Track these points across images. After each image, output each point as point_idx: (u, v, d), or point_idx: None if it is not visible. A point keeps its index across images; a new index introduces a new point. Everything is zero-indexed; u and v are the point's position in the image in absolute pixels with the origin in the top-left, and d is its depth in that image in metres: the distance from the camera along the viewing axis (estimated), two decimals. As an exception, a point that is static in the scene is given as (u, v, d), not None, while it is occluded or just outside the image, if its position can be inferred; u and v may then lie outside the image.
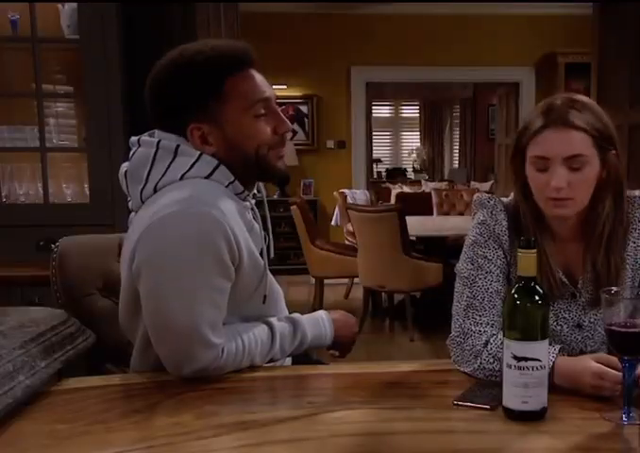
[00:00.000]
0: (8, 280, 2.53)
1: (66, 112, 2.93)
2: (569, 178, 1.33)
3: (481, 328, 1.38)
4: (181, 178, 1.38)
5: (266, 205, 1.55)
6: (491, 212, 1.45)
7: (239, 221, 1.38)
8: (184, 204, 1.31)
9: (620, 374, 1.17)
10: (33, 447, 1.08)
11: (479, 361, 1.35)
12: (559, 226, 1.43)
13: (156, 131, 1.45)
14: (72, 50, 2.77)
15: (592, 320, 1.44)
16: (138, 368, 1.47)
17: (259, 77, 1.44)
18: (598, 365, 1.22)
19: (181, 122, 1.41)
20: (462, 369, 1.39)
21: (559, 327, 1.44)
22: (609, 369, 1.20)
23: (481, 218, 1.46)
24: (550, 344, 1.25)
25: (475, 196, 1.52)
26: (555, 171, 1.33)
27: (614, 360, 1.20)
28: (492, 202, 1.47)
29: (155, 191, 1.39)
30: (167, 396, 1.27)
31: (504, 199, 1.49)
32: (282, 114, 1.46)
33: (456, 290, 1.45)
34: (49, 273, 1.65)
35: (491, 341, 1.35)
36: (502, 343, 1.27)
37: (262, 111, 1.42)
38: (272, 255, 1.52)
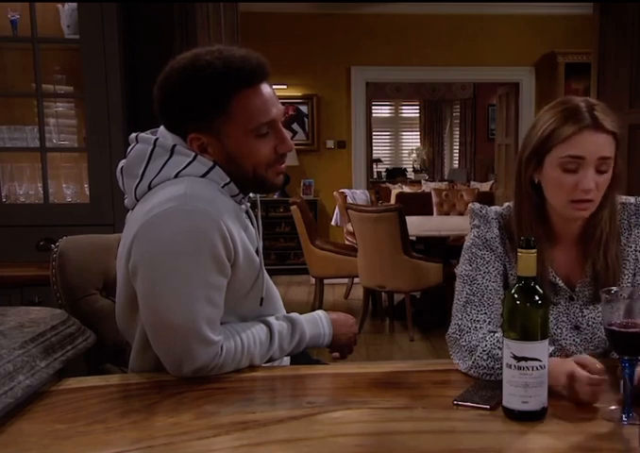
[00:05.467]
0: (8, 280, 2.53)
1: (66, 112, 2.93)
2: (596, 181, 1.36)
3: (478, 325, 1.40)
4: (176, 176, 1.37)
5: (259, 206, 1.54)
6: (484, 220, 1.50)
7: (234, 218, 1.37)
8: (179, 201, 1.31)
9: (591, 375, 1.16)
10: (33, 447, 1.07)
11: (473, 358, 1.35)
12: (564, 227, 1.45)
13: (159, 128, 1.46)
14: (72, 50, 2.77)
15: (590, 322, 1.46)
16: (137, 369, 1.46)
17: (267, 94, 1.40)
18: (573, 366, 1.20)
19: (183, 129, 1.41)
20: (458, 367, 1.40)
21: (558, 330, 1.46)
22: (580, 370, 1.18)
23: (476, 223, 1.51)
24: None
25: (469, 206, 1.56)
26: (586, 173, 1.35)
27: (592, 360, 1.20)
28: (483, 211, 1.51)
29: (149, 188, 1.39)
30: (166, 396, 1.27)
31: (496, 208, 1.52)
32: (285, 133, 1.44)
33: (456, 289, 1.48)
34: (49, 273, 1.65)
35: (487, 337, 1.36)
36: (498, 340, 1.28)
37: (265, 131, 1.40)
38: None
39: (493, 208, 1.52)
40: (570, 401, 1.19)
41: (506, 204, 1.53)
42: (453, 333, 1.42)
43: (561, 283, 1.45)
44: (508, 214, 1.49)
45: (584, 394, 1.17)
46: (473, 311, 1.41)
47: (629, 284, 1.45)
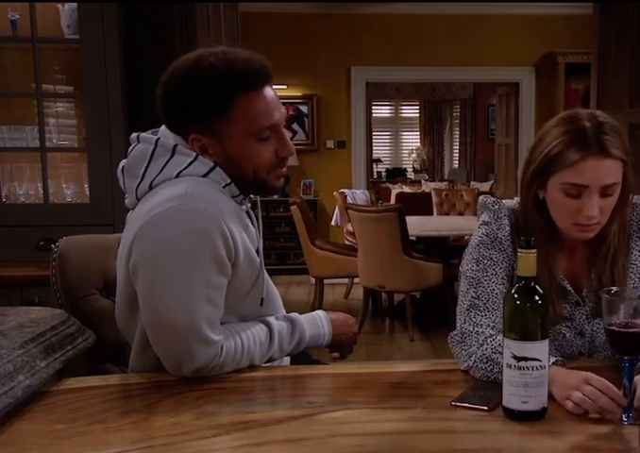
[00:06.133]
0: (8, 280, 2.53)
1: (66, 112, 2.93)
2: (600, 205, 1.32)
3: (480, 330, 1.39)
4: (177, 176, 1.37)
5: (259, 206, 1.54)
6: (495, 216, 1.46)
7: (234, 218, 1.37)
8: (179, 200, 1.31)
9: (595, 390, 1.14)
10: (33, 447, 1.07)
11: (472, 360, 1.35)
12: (571, 239, 1.43)
13: (161, 128, 1.45)
14: (72, 50, 2.77)
15: (594, 328, 1.44)
16: (137, 369, 1.46)
17: (270, 97, 1.39)
18: (585, 378, 1.16)
19: (184, 129, 1.40)
20: (460, 367, 1.40)
21: (561, 335, 1.45)
22: (587, 385, 1.15)
23: (486, 219, 1.47)
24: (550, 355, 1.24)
25: (480, 199, 1.50)
26: (590, 200, 1.31)
27: (605, 382, 1.15)
28: (496, 206, 1.47)
29: (150, 188, 1.39)
30: (166, 396, 1.27)
31: (508, 202, 1.48)
32: (287, 137, 1.43)
33: (461, 289, 1.46)
34: (49, 273, 1.65)
35: (488, 341, 1.35)
36: (499, 345, 1.27)
37: (267, 135, 1.40)
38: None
39: (505, 202, 1.48)
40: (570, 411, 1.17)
41: (517, 198, 1.48)
42: (455, 335, 1.42)
43: (569, 287, 1.43)
44: (520, 210, 1.45)
45: (587, 407, 1.14)
46: (477, 316, 1.40)
47: (636, 287, 1.42)
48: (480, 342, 1.36)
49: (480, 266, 1.43)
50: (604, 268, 1.40)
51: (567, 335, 1.45)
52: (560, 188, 1.34)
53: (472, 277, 1.43)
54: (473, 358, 1.35)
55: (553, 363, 1.25)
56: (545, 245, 1.37)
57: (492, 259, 1.43)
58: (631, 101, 3.52)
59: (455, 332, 1.42)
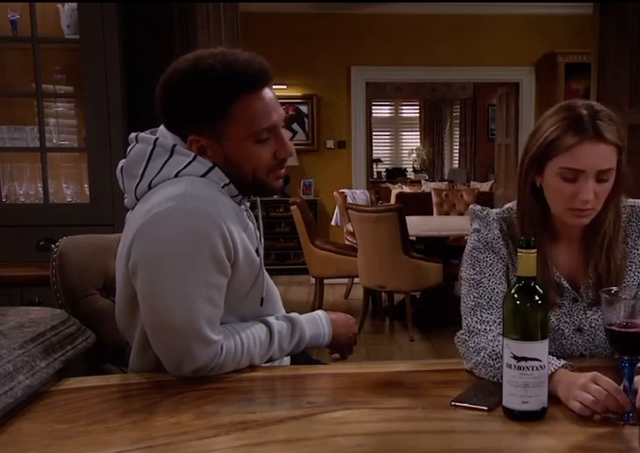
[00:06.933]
0: (8, 280, 2.53)
1: (66, 112, 2.92)
2: (595, 190, 1.35)
3: (487, 327, 1.40)
4: (176, 176, 1.37)
5: (259, 206, 1.54)
6: (484, 223, 1.50)
7: (234, 217, 1.37)
8: (179, 200, 1.31)
9: (603, 391, 1.12)
10: (33, 447, 1.07)
11: (481, 356, 1.35)
12: (566, 229, 1.45)
13: (159, 128, 1.45)
14: (72, 50, 2.77)
15: (593, 324, 1.45)
16: (137, 369, 1.46)
17: (269, 99, 1.39)
18: (592, 377, 1.16)
19: (183, 129, 1.40)
20: (465, 365, 1.40)
21: (560, 332, 1.46)
22: (594, 384, 1.14)
23: (476, 226, 1.51)
24: (557, 357, 1.26)
25: (469, 208, 1.56)
26: (585, 184, 1.34)
27: (612, 383, 1.14)
28: (484, 212, 1.51)
29: (149, 187, 1.39)
30: (166, 396, 1.27)
31: (496, 210, 1.53)
32: (285, 138, 1.43)
33: (462, 292, 1.48)
34: (49, 273, 1.65)
35: (499, 339, 1.36)
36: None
37: (266, 136, 1.40)
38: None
39: (494, 210, 1.52)
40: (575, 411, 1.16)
41: (507, 205, 1.53)
42: (462, 334, 1.43)
43: (565, 284, 1.45)
44: (509, 216, 1.49)
45: (594, 407, 1.13)
46: (483, 314, 1.41)
47: (634, 286, 1.43)
48: (490, 338, 1.37)
49: (477, 269, 1.46)
50: (600, 257, 1.42)
51: (566, 331, 1.46)
52: (557, 172, 1.36)
53: (472, 280, 1.46)
54: (482, 353, 1.35)
55: (562, 366, 1.24)
56: (540, 235, 1.40)
57: (487, 261, 1.46)
58: (631, 101, 3.52)
59: (462, 331, 1.44)
